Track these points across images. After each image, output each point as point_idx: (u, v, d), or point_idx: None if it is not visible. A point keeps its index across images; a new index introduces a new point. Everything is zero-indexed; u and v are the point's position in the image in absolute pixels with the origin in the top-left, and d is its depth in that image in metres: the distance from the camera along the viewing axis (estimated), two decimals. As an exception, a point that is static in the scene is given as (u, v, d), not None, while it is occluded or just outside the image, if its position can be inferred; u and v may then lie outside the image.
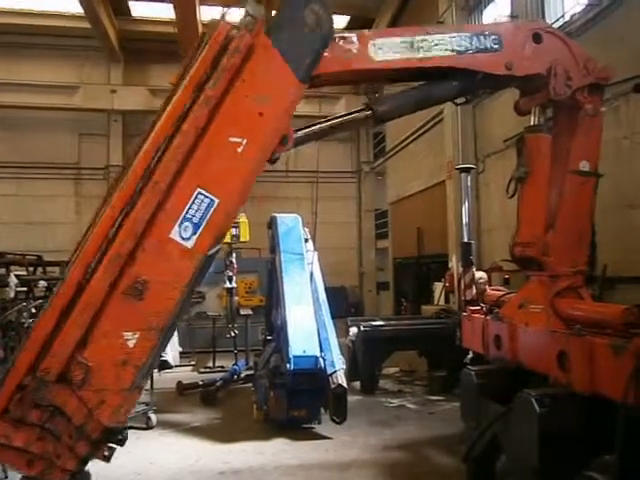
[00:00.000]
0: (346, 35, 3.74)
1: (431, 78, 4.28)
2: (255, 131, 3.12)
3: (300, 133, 3.77)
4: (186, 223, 2.95)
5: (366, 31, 3.90)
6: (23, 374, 2.74)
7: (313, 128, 3.94)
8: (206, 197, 2.98)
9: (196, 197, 2.96)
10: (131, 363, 2.83)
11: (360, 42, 3.77)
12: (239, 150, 3.05)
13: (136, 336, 2.85)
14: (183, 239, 2.94)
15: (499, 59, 4.27)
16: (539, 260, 4.47)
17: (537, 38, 4.45)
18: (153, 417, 6.57)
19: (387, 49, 3.85)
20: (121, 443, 2.99)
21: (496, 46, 4.27)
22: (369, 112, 4.05)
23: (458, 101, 4.73)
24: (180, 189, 2.93)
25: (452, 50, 4.09)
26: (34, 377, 2.71)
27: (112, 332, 2.83)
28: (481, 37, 4.22)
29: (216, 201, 3.00)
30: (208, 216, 2.98)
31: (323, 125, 3.97)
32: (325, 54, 3.47)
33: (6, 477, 4.82)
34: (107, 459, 2.97)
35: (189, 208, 2.95)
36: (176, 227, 2.92)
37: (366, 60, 3.79)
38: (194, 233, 2.96)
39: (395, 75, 4.30)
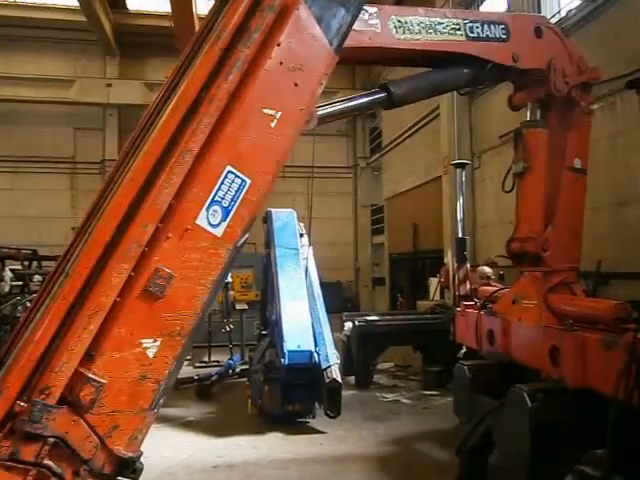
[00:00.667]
0: (367, 8, 3.48)
1: (441, 64, 4.13)
2: (290, 103, 2.67)
3: (322, 111, 3.43)
4: (215, 206, 2.42)
5: (386, 6, 3.74)
6: (14, 397, 2.03)
7: (334, 107, 3.65)
8: (237, 177, 2.48)
9: (226, 177, 2.44)
10: (151, 377, 2.26)
11: (381, 18, 3.59)
12: (272, 124, 2.59)
13: (157, 344, 2.29)
14: (212, 226, 2.43)
15: (507, 49, 4.21)
16: (539, 255, 4.49)
17: (538, 32, 4.44)
18: (148, 411, 6.57)
19: (407, 28, 3.72)
20: (135, 477, 2.26)
21: (504, 36, 4.21)
22: (385, 94, 3.84)
23: (462, 91, 4.66)
24: (208, 167, 2.40)
25: (467, 36, 4.00)
26: (30, 400, 2.02)
27: (128, 339, 2.23)
28: (491, 25, 4.15)
29: (248, 182, 2.51)
30: (239, 199, 2.48)
31: (343, 106, 3.72)
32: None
33: None
34: None
35: (218, 189, 2.41)
36: (203, 211, 2.39)
37: (388, 38, 3.63)
38: (224, 219, 2.45)
39: (410, 57, 4.09)
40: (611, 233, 7.00)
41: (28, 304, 8.40)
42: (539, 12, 9.60)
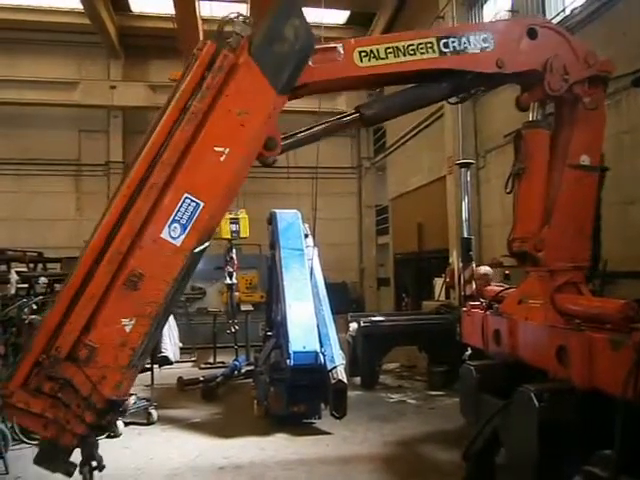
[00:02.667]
0: (332, 45, 3.90)
1: (423, 80, 4.34)
2: (237, 141, 3.45)
3: (289, 140, 3.97)
4: (175, 224, 3.31)
5: (352, 40, 4.04)
6: (39, 352, 3.15)
7: (303, 134, 4.09)
8: (192, 201, 3.34)
9: (184, 201, 3.32)
10: (128, 345, 3.22)
11: (346, 51, 3.92)
12: (222, 159, 3.39)
13: (132, 322, 3.23)
14: (172, 238, 3.31)
15: (489, 57, 4.30)
16: (532, 255, 4.48)
17: (532, 34, 4.45)
18: (154, 413, 6.58)
19: (373, 56, 3.97)
20: (122, 414, 3.58)
21: (486, 45, 4.31)
22: (357, 115, 4.17)
23: (452, 100, 4.78)
24: (170, 194, 3.31)
25: (440, 52, 4.15)
26: (48, 355, 3.12)
27: (112, 318, 3.22)
28: (471, 37, 4.26)
29: (201, 204, 3.35)
30: (194, 218, 3.34)
31: (314, 130, 4.13)
32: (311, 64, 3.70)
33: (7, 472, 4.85)
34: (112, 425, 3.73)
35: (177, 211, 3.31)
36: (166, 228, 3.30)
37: (351, 67, 3.93)
38: (182, 233, 3.33)
39: (384, 80, 4.44)
40: (618, 232, 6.94)
41: (34, 306, 8.42)
42: (543, 10, 9.57)
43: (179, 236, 3.33)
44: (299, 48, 3.57)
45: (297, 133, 4.07)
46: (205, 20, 15.04)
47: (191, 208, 3.34)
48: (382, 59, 3.98)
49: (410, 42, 4.07)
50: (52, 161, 18.22)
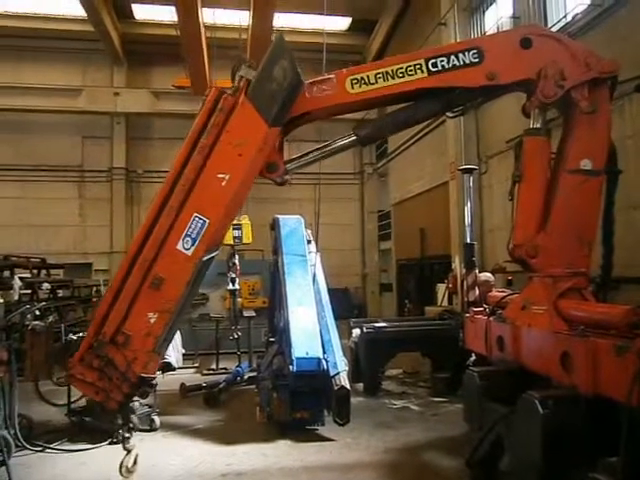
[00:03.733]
0: (325, 77, 4.45)
1: (413, 99, 4.66)
2: (235, 168, 4.22)
3: (294, 164, 4.64)
4: (187, 238, 4.18)
5: (344, 70, 4.54)
6: (92, 336, 4.23)
7: (304, 159, 4.70)
8: (200, 219, 4.18)
9: (194, 219, 4.18)
10: (152, 334, 4.18)
11: (338, 80, 4.44)
12: (223, 184, 4.19)
13: (155, 316, 4.16)
14: (185, 249, 4.18)
15: (478, 72, 4.45)
16: (526, 261, 4.47)
17: (526, 43, 4.48)
18: (156, 419, 6.56)
19: (363, 82, 4.41)
20: (152, 387, 4.54)
21: (476, 60, 4.46)
22: (354, 137, 4.72)
23: (450, 114, 5.09)
24: (184, 214, 4.19)
25: (428, 72, 4.42)
26: (97, 339, 4.19)
27: (141, 312, 4.17)
28: (459, 54, 4.46)
29: (207, 221, 4.19)
30: (202, 232, 4.18)
31: (316, 154, 4.76)
32: (308, 95, 4.37)
33: (6, 465, 4.84)
34: (146, 395, 4.77)
35: (189, 227, 4.18)
36: (180, 241, 4.18)
37: (344, 95, 4.44)
38: (193, 245, 4.18)
39: (375, 102, 4.87)
40: (621, 237, 6.91)
41: (37, 312, 8.44)
42: (545, 17, 9.59)
43: (190, 247, 4.17)
44: (287, 86, 4.20)
45: (301, 156, 4.70)
46: (208, 27, 15.12)
47: (199, 224, 4.16)
48: (372, 84, 4.41)
49: (399, 65, 4.43)
50: (55, 167, 18.31)
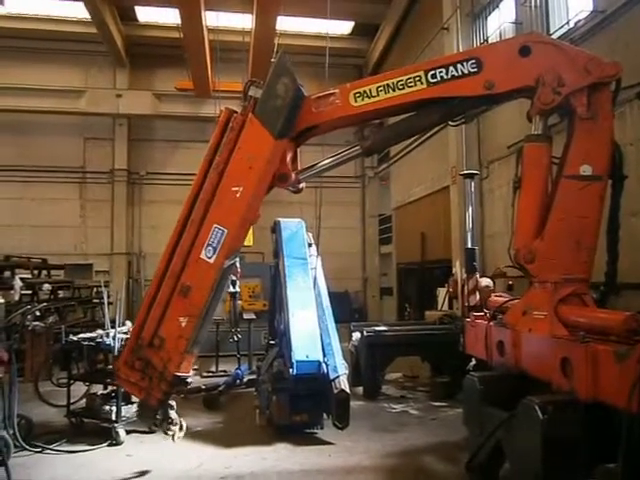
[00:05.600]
0: (330, 91, 4.69)
1: (414, 109, 4.80)
2: (248, 181, 4.54)
3: (305, 174, 4.97)
4: (209, 247, 4.52)
5: (348, 84, 4.75)
6: (134, 340, 4.65)
7: (312, 171, 5.03)
8: (220, 229, 4.52)
9: (214, 230, 4.52)
10: (184, 337, 4.52)
11: (342, 94, 4.66)
12: (237, 195, 4.52)
13: (185, 320, 4.50)
14: (208, 258, 4.52)
15: (475, 81, 4.51)
16: (524, 267, 4.49)
17: (525, 51, 4.50)
18: (156, 421, 6.56)
19: (366, 95, 4.61)
20: (187, 384, 4.77)
21: (474, 69, 4.53)
22: (359, 148, 4.97)
23: (452, 123, 5.21)
24: (205, 226, 4.54)
25: (428, 83, 4.55)
26: (137, 343, 4.61)
27: (173, 317, 4.53)
28: (458, 65, 4.55)
29: (226, 231, 4.52)
30: (221, 241, 4.51)
31: (325, 164, 5.05)
32: (313, 110, 4.65)
33: (5, 466, 4.84)
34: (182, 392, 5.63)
35: (210, 237, 4.52)
36: (204, 250, 4.52)
37: (348, 108, 4.65)
38: (214, 253, 4.51)
39: (378, 114, 5.08)
40: (622, 243, 6.92)
41: (37, 313, 8.44)
42: (547, 23, 9.60)
43: (212, 256, 4.50)
44: (289, 100, 4.47)
45: (311, 166, 5.03)
46: (211, 30, 15.17)
47: (219, 234, 4.50)
48: (374, 97, 4.59)
49: (399, 78, 4.57)
50: (57, 168, 18.31)
